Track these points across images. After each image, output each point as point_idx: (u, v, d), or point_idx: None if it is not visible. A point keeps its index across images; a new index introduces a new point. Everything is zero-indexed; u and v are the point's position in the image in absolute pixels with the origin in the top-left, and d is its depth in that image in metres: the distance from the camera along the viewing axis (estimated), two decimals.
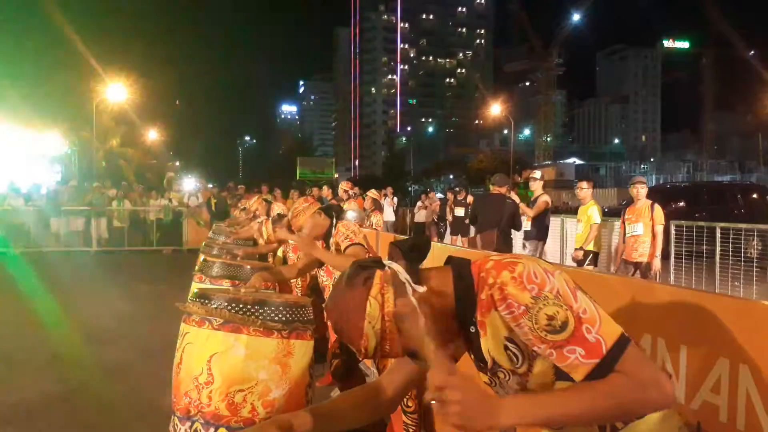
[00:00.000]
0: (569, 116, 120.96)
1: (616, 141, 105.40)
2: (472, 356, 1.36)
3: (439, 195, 20.59)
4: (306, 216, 3.49)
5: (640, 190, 6.62)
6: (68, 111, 30.16)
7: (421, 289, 1.26)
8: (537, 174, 8.27)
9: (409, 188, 60.40)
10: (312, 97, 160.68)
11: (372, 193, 6.90)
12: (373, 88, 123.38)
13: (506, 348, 1.22)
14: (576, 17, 63.01)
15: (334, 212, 3.55)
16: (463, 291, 1.27)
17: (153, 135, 42.83)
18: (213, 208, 14.88)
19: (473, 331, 1.28)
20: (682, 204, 12.67)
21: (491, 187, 7.56)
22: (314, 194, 12.75)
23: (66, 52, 30.40)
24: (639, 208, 6.59)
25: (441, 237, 13.93)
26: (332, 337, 3.58)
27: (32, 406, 3.87)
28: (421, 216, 15.79)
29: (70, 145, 25.40)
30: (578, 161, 64.15)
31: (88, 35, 31.21)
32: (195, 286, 3.97)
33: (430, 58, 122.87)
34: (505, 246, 7.11)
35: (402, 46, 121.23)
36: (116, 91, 31.88)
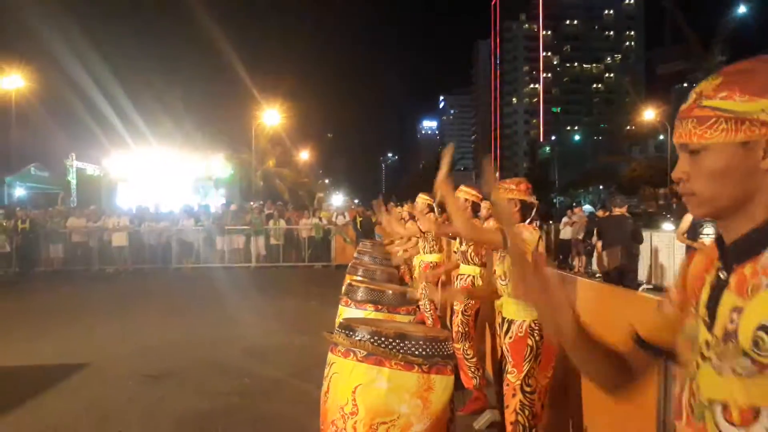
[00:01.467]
0: None
1: None
2: (703, 297, 1.09)
3: (588, 208, 19.34)
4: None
5: None
6: (231, 135, 33.22)
7: None
8: None
9: (554, 200, 58.25)
10: (452, 111, 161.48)
11: (423, 197, 6.48)
12: (514, 98, 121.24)
13: (762, 328, 0.95)
14: (742, 9, 57.20)
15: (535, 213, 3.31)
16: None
17: (305, 155, 45.62)
18: (359, 226, 15.47)
19: (722, 277, 1.05)
20: None
21: (613, 208, 8.90)
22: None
23: (231, 80, 33.61)
24: None
25: (589, 255, 13.22)
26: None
27: (202, 419, 4.26)
28: (566, 233, 15.12)
29: (233, 168, 27.88)
30: None
31: (249, 65, 34.24)
32: (341, 311, 4.15)
33: (575, 64, 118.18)
34: (629, 260, 8.51)
35: (544, 53, 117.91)
36: (272, 116, 34.55)
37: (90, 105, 29.80)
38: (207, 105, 33.91)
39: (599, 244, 9.20)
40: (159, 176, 22.60)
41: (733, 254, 1.04)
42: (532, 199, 3.25)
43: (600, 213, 12.05)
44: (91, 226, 15.50)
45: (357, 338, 2.71)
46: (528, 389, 2.94)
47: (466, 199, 4.93)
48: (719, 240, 1.09)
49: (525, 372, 2.97)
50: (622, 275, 8.38)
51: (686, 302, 1.15)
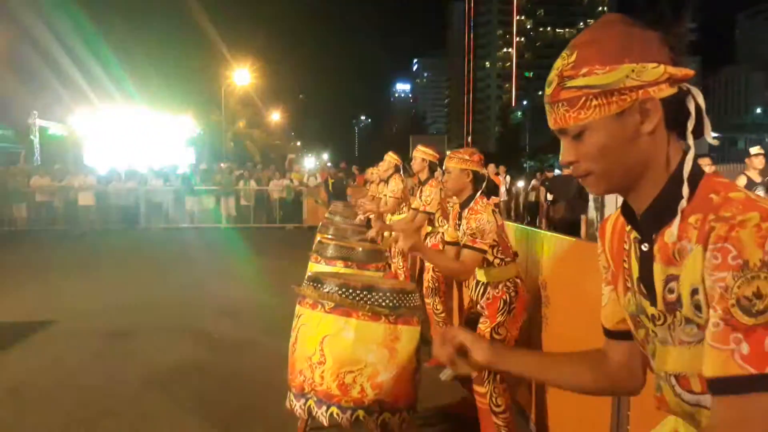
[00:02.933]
0: (703, 85, 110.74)
1: (758, 111, 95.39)
2: (634, 273, 1.07)
3: (558, 172, 19.62)
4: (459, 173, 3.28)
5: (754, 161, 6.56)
6: (200, 94, 32.46)
7: (648, 126, 0.99)
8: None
9: (525, 165, 58.75)
10: (425, 74, 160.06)
11: (391, 156, 6.52)
12: (487, 63, 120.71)
13: (696, 292, 0.94)
14: None
15: (485, 185, 3.31)
16: (671, 189, 0.99)
17: (276, 116, 44.93)
18: (330, 188, 15.42)
19: (645, 250, 1.03)
20: None
21: (563, 169, 9.80)
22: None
23: (198, 38, 32.68)
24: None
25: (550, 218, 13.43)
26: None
27: (169, 375, 4.26)
28: (534, 196, 15.33)
29: (202, 127, 27.26)
30: (713, 134, 58.89)
31: (217, 22, 33.28)
32: (311, 267, 4.16)
33: (548, 28, 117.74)
34: (572, 214, 9.67)
35: (518, 17, 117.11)
36: (242, 75, 33.79)
37: (53, 61, 28.70)
38: (175, 63, 32.91)
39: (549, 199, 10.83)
40: (126, 136, 22.06)
41: (646, 224, 1.03)
42: (484, 171, 3.34)
43: (548, 174, 13.77)
44: (55, 185, 15.13)
45: (325, 290, 2.73)
46: (497, 337, 3.00)
47: (423, 159, 5.02)
48: (625, 209, 1.07)
49: (497, 322, 3.03)
50: (569, 227, 9.48)
51: (617, 280, 1.14)
